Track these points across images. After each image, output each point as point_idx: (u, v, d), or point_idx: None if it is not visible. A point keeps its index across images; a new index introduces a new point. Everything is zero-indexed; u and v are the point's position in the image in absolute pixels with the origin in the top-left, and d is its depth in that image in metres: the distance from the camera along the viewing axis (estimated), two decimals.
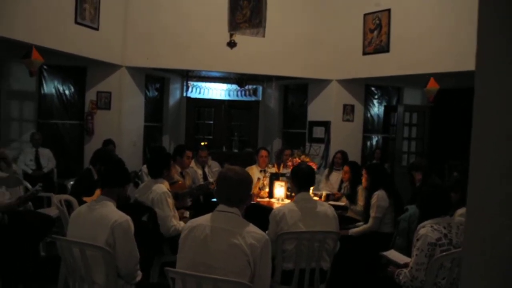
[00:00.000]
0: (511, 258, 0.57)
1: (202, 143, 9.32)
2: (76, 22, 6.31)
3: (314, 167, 5.17)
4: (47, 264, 4.29)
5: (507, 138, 0.68)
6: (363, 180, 4.44)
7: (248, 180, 2.33)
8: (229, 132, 9.84)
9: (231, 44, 6.37)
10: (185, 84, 9.27)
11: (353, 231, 4.24)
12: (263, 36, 5.25)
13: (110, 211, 2.70)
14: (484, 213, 0.71)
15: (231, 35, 6.24)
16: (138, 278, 2.75)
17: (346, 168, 5.00)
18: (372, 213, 4.19)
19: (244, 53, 6.96)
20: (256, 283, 2.13)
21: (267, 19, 6.35)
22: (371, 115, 8.79)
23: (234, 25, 5.27)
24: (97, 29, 6.69)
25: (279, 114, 9.64)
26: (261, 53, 7.49)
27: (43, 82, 7.53)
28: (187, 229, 2.24)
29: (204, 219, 2.25)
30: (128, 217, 2.71)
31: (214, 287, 2.05)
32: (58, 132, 7.58)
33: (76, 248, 2.53)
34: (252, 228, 2.20)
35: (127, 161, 6.67)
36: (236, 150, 9.25)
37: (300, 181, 3.30)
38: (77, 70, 7.45)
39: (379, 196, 4.18)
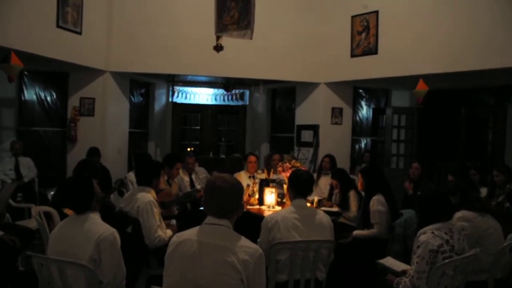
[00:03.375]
0: None
1: (189, 149, 9.17)
2: (58, 26, 6.10)
3: None
4: (25, 280, 4.06)
5: None
6: (359, 184, 4.32)
7: (239, 188, 2.16)
8: (216, 137, 9.69)
9: (218, 48, 6.23)
10: (170, 89, 9.10)
11: (356, 232, 4.12)
12: (251, 38, 5.12)
13: (95, 224, 2.52)
14: None
15: (217, 38, 6.09)
16: None
17: (334, 181, 4.96)
18: (374, 219, 4.06)
19: (230, 57, 6.83)
20: None
21: (255, 22, 6.26)
22: (359, 117, 8.72)
23: (221, 27, 5.13)
24: (80, 33, 6.48)
25: (266, 118, 9.51)
26: (248, 57, 7.36)
27: (24, 88, 7.28)
28: (174, 244, 2.07)
29: (191, 233, 2.08)
30: (114, 230, 2.54)
31: None
32: (39, 140, 7.33)
33: (54, 266, 2.35)
34: (245, 242, 2.03)
35: (111, 169, 6.56)
36: (223, 156, 9.10)
37: (298, 188, 3.14)
38: (59, 75, 7.22)
39: (378, 201, 4.06)
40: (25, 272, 4.25)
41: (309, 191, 3.24)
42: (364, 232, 4.10)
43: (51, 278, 2.40)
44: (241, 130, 9.78)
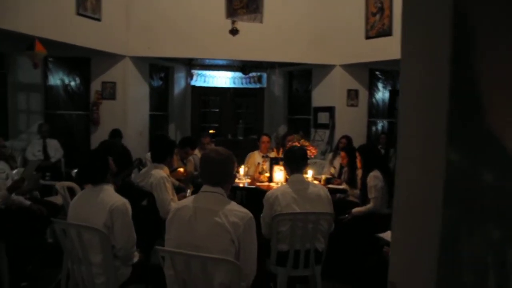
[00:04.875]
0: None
1: (211, 131, 9.46)
2: (78, 14, 6.38)
3: (314, 151, 5.22)
4: (53, 250, 4.41)
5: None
6: (358, 162, 4.45)
7: (230, 159, 2.37)
8: (235, 119, 9.90)
9: (233, 32, 6.38)
10: (189, 72, 9.33)
11: (355, 210, 4.28)
12: (261, 22, 5.26)
13: (108, 195, 2.78)
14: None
15: (233, 22, 6.25)
16: (135, 259, 2.84)
17: (342, 153, 5.04)
18: (371, 194, 4.21)
19: (246, 40, 6.96)
20: (241, 260, 2.18)
21: (269, 5, 6.37)
22: (376, 99, 8.75)
23: (232, 12, 5.29)
24: (99, 19, 6.75)
25: (284, 101, 9.64)
26: (263, 40, 7.49)
27: (49, 73, 7.64)
28: (174, 211, 2.31)
29: (188, 200, 2.32)
30: (126, 200, 2.79)
31: (201, 265, 2.11)
32: (64, 123, 7.71)
33: (73, 230, 2.62)
34: (235, 207, 2.25)
35: (133, 150, 6.86)
36: (241, 137, 9.31)
37: (291, 163, 3.34)
38: (82, 61, 7.53)
39: (374, 176, 4.19)
40: (53, 244, 4.61)
41: (304, 166, 3.42)
42: (362, 208, 4.23)
43: (70, 241, 2.67)
44: (259, 113, 9.95)
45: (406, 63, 0.67)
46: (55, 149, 6.93)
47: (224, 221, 2.16)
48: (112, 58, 7.35)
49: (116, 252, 2.67)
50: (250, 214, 2.26)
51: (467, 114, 0.59)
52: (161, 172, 3.80)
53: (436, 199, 0.59)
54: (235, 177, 2.46)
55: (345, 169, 5.15)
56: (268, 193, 3.31)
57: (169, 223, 2.31)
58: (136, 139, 7.66)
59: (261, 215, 3.28)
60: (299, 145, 4.94)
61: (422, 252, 0.63)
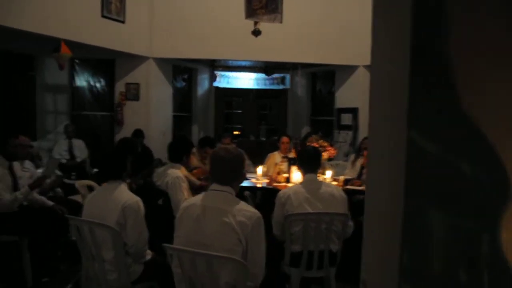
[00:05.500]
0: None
1: (235, 132, 9.53)
2: (103, 16, 6.52)
3: (333, 152, 5.16)
4: (75, 247, 4.51)
5: None
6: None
7: (240, 158, 2.36)
8: (258, 121, 9.91)
9: (256, 33, 6.38)
10: (212, 74, 9.39)
11: None
12: (280, 22, 5.24)
13: (122, 193, 2.82)
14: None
15: (255, 23, 6.25)
16: (148, 257, 2.87)
17: (365, 153, 4.94)
18: None
19: (268, 41, 6.94)
20: (249, 260, 2.17)
21: (289, 5, 6.34)
22: None
23: (251, 12, 5.29)
24: (123, 22, 6.88)
25: (307, 102, 9.59)
26: (285, 41, 7.46)
27: (75, 75, 7.84)
28: (183, 209, 2.32)
29: (198, 199, 2.32)
30: (139, 199, 2.83)
31: (207, 263, 2.11)
32: (90, 123, 7.89)
33: (85, 227, 2.67)
34: (243, 206, 2.24)
35: (156, 151, 6.96)
36: (263, 139, 9.32)
37: (304, 163, 3.31)
38: (106, 62, 7.70)
39: None
40: (75, 241, 4.70)
41: (317, 166, 3.38)
42: None
43: (83, 237, 2.72)
44: (282, 114, 9.93)
45: (374, 51, 0.65)
46: (81, 149, 7.09)
47: (232, 220, 2.15)
48: (136, 60, 7.48)
49: (128, 249, 2.71)
50: (258, 214, 2.25)
51: (429, 97, 0.57)
52: (178, 172, 3.83)
53: (398, 189, 0.57)
54: (244, 176, 2.45)
55: (365, 169, 5.05)
56: (280, 192, 3.29)
57: (178, 221, 2.32)
58: (159, 140, 7.76)
59: (272, 215, 3.27)
60: (317, 145, 4.89)
61: (386, 246, 0.61)
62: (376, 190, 0.61)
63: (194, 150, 5.50)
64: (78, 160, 6.98)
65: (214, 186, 2.30)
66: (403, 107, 0.58)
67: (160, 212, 3.68)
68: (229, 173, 2.29)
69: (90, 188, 4.25)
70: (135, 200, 2.78)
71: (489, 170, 0.58)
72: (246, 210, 2.21)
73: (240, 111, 10.02)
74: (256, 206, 5.71)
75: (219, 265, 2.13)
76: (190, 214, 2.25)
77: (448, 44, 0.54)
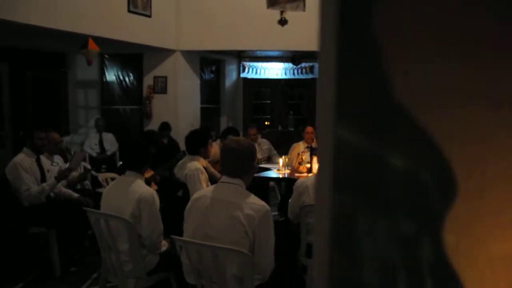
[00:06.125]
0: None
1: (266, 122, 9.51)
2: (129, 11, 6.60)
3: None
4: None
5: None
6: None
7: (251, 151, 2.32)
8: (287, 111, 9.83)
9: (282, 22, 6.29)
10: (240, 65, 9.37)
11: None
12: (303, 10, 5.13)
13: (137, 186, 2.86)
14: None
15: (281, 13, 6.15)
16: (163, 248, 2.90)
17: None
18: None
19: (295, 30, 6.82)
20: (257, 253, 2.15)
21: None
22: None
23: (273, 1, 5.20)
24: (149, 16, 6.95)
25: None
26: (312, 30, 7.27)
27: (105, 70, 8.02)
28: (193, 200, 2.32)
29: (208, 190, 2.32)
30: (153, 191, 2.86)
31: (212, 255, 2.11)
32: (119, 117, 8.07)
33: (102, 219, 2.73)
34: (252, 199, 2.21)
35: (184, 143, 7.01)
36: (291, 129, 9.25)
37: None
38: (134, 57, 7.82)
39: None
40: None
41: None
42: None
43: (100, 229, 2.78)
44: (311, 103, 9.80)
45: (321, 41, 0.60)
46: (111, 143, 7.26)
47: (239, 213, 2.13)
48: (163, 53, 7.55)
49: (143, 241, 2.74)
50: (267, 207, 2.22)
51: (358, 86, 0.52)
52: (197, 163, 3.84)
53: (328, 183, 0.52)
54: (255, 168, 2.42)
55: None
56: (298, 181, 3.26)
57: (187, 212, 2.33)
58: (188, 132, 7.81)
59: (289, 200, 3.24)
60: None
61: (318, 246, 0.56)
62: (317, 188, 0.57)
63: (218, 141, 5.52)
64: (108, 153, 7.16)
65: (224, 178, 2.29)
66: (331, 97, 0.53)
67: (179, 203, 3.71)
68: (239, 165, 2.27)
69: (113, 180, 4.33)
70: (150, 192, 2.81)
71: (429, 165, 0.53)
72: (254, 203, 2.18)
73: (268, 102, 9.97)
74: (281, 197, 5.72)
75: (225, 257, 2.13)
76: (199, 206, 2.26)
77: (376, 26, 0.49)
